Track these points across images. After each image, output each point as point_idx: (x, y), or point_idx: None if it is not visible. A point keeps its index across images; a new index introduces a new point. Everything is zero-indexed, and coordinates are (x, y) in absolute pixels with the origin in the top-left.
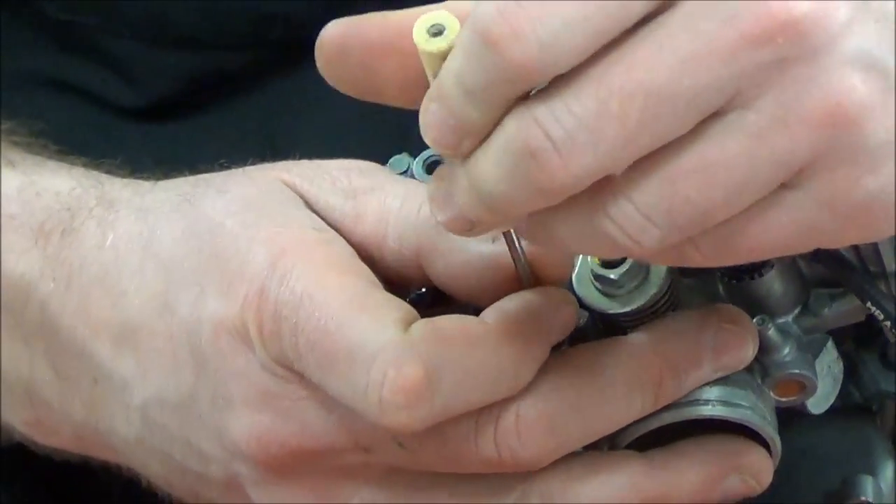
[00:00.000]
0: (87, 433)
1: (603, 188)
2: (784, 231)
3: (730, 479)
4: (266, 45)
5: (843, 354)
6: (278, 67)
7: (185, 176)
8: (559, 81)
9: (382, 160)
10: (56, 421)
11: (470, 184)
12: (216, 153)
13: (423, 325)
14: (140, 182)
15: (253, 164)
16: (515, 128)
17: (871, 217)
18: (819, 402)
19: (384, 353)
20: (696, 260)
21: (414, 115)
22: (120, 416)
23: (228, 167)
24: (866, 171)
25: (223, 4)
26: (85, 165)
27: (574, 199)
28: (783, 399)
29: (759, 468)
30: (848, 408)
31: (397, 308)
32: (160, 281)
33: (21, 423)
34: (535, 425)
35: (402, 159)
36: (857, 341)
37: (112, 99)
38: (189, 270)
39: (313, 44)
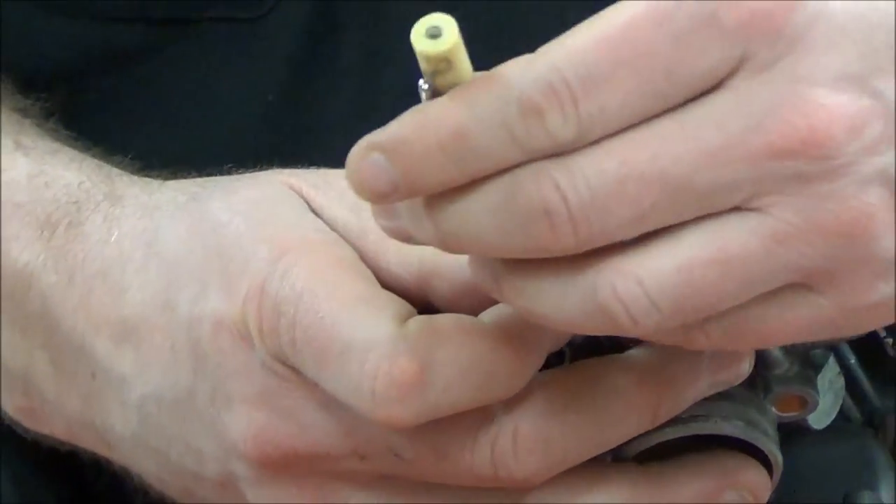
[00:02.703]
0: (82, 427)
1: (608, 258)
2: (795, 324)
3: (726, 495)
4: (153, 21)
5: (845, 369)
6: (169, 46)
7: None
8: (583, 148)
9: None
10: (50, 412)
11: (429, 217)
12: (103, 133)
13: (419, 321)
14: (149, 180)
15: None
16: (533, 185)
17: (884, 317)
18: (820, 418)
19: (378, 347)
20: (702, 344)
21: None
22: (116, 412)
23: (235, 171)
24: (881, 277)
25: None
26: (96, 157)
27: (570, 262)
28: (785, 414)
29: (756, 485)
30: (850, 422)
31: (394, 304)
32: (162, 278)
33: (13, 408)
34: (532, 445)
35: None
36: (859, 357)
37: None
38: (191, 268)
39: (203, 23)
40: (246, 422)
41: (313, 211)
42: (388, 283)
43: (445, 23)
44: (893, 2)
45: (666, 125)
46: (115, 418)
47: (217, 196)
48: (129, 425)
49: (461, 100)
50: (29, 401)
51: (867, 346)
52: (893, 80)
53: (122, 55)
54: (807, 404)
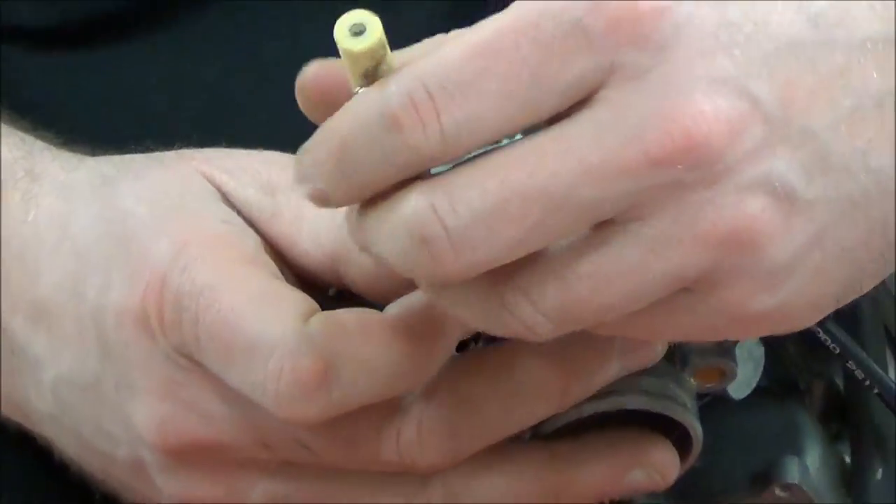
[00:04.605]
0: (8, 402)
1: (500, 274)
2: (681, 328)
3: (634, 474)
4: None
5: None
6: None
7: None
8: (461, 168)
9: None
10: None
11: (351, 228)
12: (159, 88)
13: (322, 318)
14: (69, 156)
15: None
16: (412, 211)
17: (769, 326)
18: (740, 387)
19: (281, 347)
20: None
21: None
22: (33, 391)
23: (154, 149)
24: (763, 289)
25: None
26: (24, 130)
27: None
28: (704, 386)
29: (664, 464)
30: (774, 387)
31: (298, 300)
32: (72, 264)
33: None
34: (436, 434)
35: None
36: None
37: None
38: (99, 255)
39: None
40: (149, 412)
41: (225, 196)
42: (300, 265)
43: (369, 20)
44: (768, 11)
45: (544, 140)
46: (32, 396)
47: (126, 181)
48: (46, 404)
49: (347, 111)
50: None
51: None
52: (769, 86)
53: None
54: (726, 375)
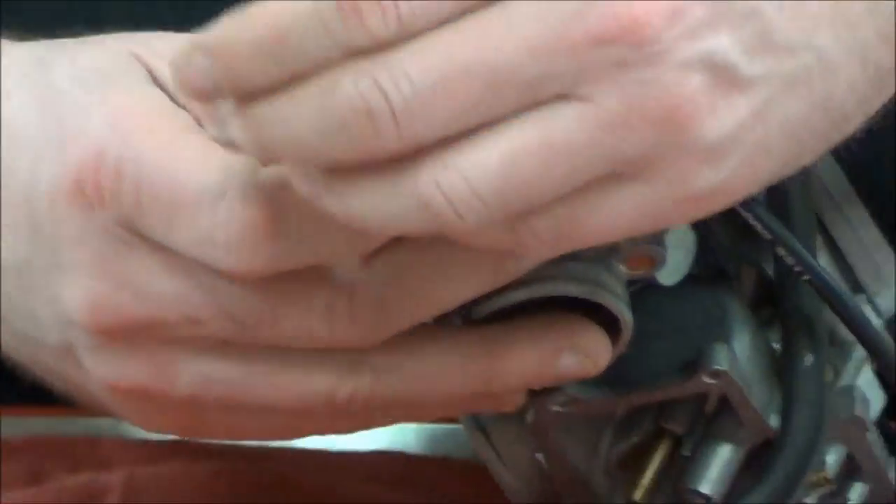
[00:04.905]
0: None
1: (431, 154)
2: (625, 217)
3: (565, 359)
4: None
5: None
6: None
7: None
8: (402, 44)
9: None
10: None
11: (247, 123)
12: None
13: (271, 169)
14: (2, 41)
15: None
16: (352, 85)
17: (714, 204)
18: (671, 274)
19: (230, 195)
20: (532, 245)
21: None
22: None
23: (86, 35)
24: (705, 164)
25: None
26: None
27: (391, 162)
28: (634, 273)
29: (595, 348)
30: (704, 274)
31: (243, 157)
32: (5, 146)
33: None
34: (367, 307)
35: None
36: None
37: None
38: (31, 136)
39: None
40: (80, 291)
41: (156, 82)
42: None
43: None
44: None
45: (488, 17)
46: None
47: (61, 62)
48: None
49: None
50: None
51: None
52: None
53: None
54: (655, 262)
